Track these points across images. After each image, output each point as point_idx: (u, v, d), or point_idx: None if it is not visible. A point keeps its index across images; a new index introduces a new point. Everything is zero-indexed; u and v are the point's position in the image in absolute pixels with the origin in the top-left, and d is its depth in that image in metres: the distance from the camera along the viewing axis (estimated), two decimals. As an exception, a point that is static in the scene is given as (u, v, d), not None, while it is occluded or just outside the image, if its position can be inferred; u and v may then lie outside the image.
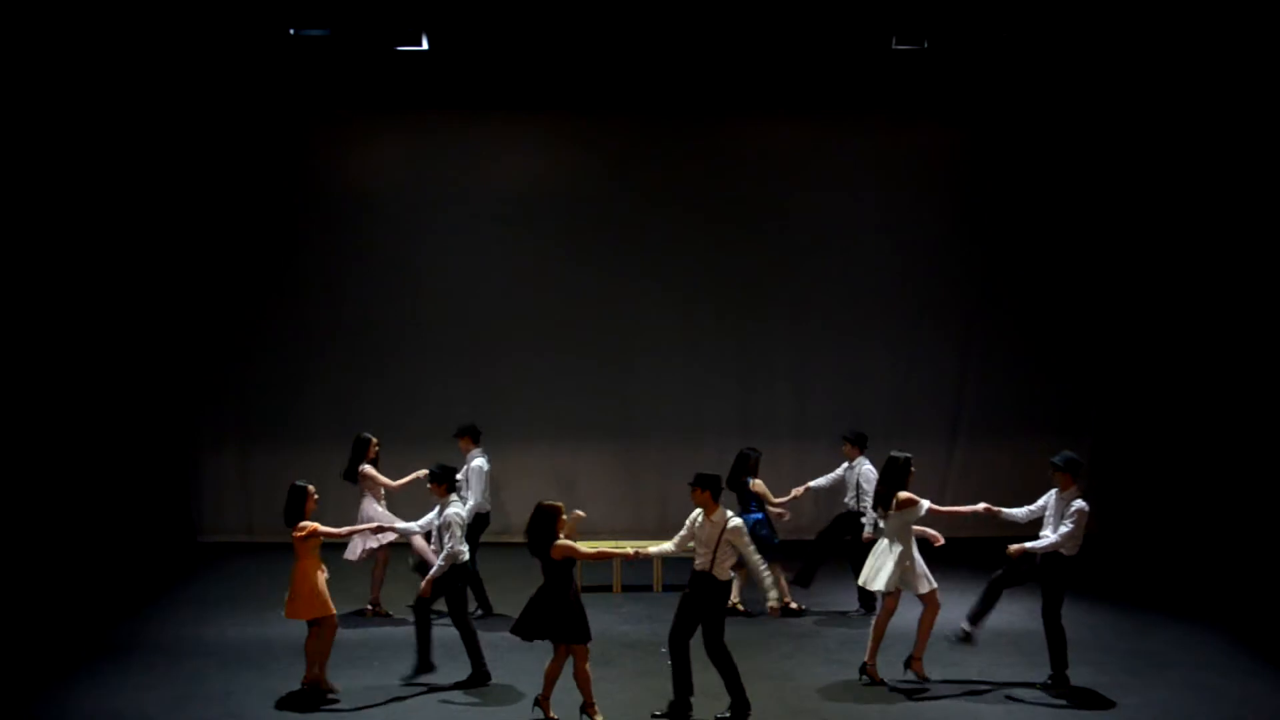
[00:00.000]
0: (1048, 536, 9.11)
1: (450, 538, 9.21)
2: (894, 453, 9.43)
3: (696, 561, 8.53)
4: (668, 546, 8.90)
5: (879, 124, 14.54)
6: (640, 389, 14.47)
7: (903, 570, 9.19)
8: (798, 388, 14.58)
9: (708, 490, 8.53)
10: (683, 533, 8.70)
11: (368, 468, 11.14)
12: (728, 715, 8.51)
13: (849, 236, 14.51)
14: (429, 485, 9.59)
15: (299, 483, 9.10)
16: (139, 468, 14.12)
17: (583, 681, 8.39)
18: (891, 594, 9.29)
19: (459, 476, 10.25)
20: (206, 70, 13.47)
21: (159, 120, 13.97)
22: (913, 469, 9.42)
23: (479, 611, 10.88)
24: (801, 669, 9.78)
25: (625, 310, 14.49)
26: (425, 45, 12.35)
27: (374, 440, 11.27)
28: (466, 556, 9.41)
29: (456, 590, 9.34)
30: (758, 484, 11.19)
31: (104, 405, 13.90)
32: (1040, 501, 9.35)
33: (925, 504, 9.31)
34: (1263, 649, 10.21)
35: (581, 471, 14.45)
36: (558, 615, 8.32)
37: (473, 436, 11.66)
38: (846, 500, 11.49)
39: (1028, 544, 9.11)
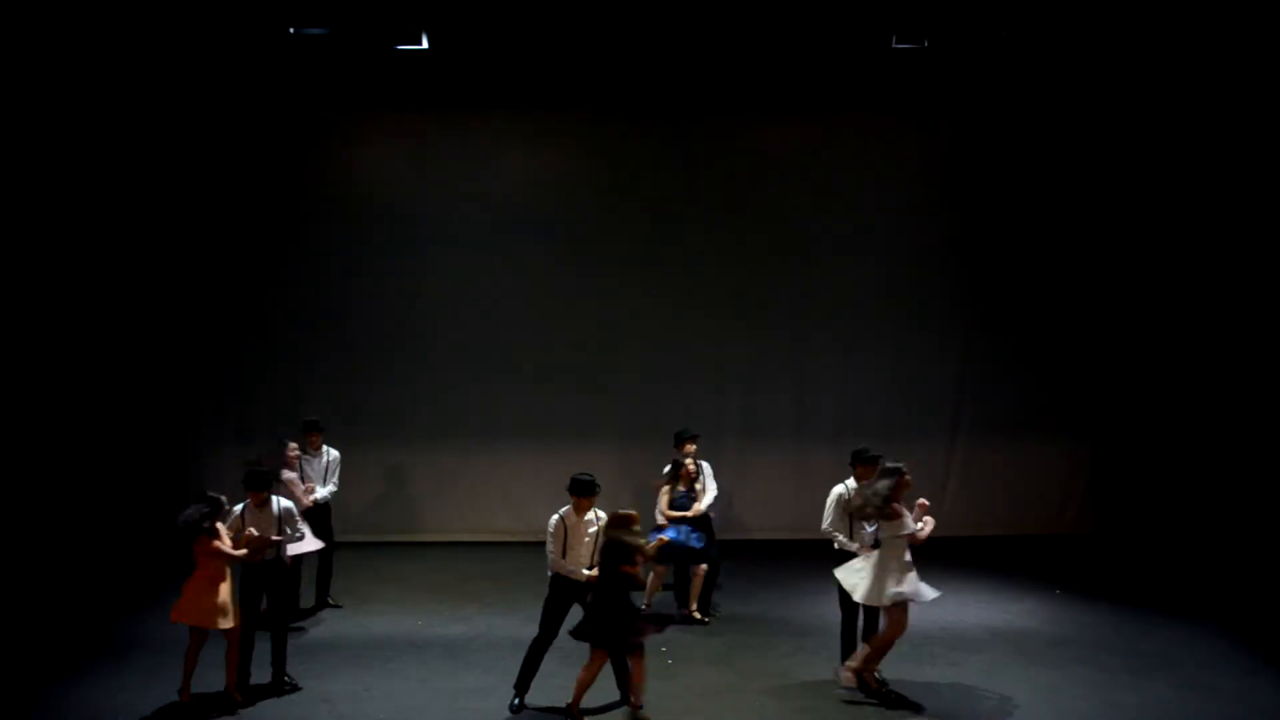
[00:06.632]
0: None
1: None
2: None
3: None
4: None
5: (879, 124, 14.51)
6: (639, 389, 14.41)
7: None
8: (798, 388, 14.55)
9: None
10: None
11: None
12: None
13: (849, 236, 14.46)
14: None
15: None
16: (139, 468, 14.11)
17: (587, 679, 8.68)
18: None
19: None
20: (206, 69, 13.42)
21: (158, 120, 13.93)
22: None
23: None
24: (801, 669, 9.77)
25: (625, 310, 14.45)
26: (425, 45, 12.34)
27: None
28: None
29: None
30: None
31: (104, 405, 13.89)
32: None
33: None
34: (1263, 649, 10.20)
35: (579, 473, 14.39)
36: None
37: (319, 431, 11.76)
38: None
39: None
